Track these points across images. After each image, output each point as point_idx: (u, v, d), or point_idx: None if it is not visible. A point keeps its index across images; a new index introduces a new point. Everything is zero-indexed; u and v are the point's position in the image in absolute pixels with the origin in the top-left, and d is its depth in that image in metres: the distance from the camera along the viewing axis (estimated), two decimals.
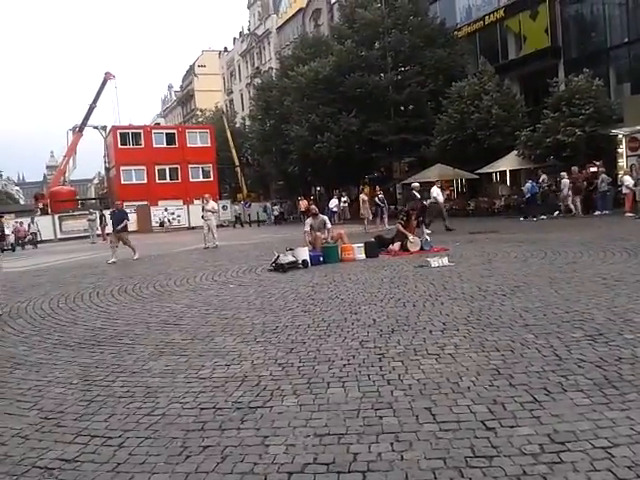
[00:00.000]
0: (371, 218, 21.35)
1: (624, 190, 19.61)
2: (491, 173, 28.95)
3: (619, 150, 22.73)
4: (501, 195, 27.73)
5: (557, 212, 21.38)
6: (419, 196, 18.19)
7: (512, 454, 2.76)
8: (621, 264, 8.37)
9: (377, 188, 23.92)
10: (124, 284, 10.13)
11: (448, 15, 34.19)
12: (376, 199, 23.68)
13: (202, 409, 3.69)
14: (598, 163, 22.00)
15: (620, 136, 22.41)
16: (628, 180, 19.33)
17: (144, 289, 9.38)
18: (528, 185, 21.79)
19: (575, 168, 21.45)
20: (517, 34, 31.02)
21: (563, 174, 21.59)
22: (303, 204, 33.87)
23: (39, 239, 34.61)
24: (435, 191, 18.91)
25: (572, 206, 20.96)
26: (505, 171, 28.69)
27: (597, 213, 20.35)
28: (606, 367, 3.89)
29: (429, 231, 14.47)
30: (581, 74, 23.28)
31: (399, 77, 32.40)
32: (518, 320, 5.40)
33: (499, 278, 7.93)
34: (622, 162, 22.30)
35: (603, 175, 20.86)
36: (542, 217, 20.42)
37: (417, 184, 19.46)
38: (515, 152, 25.52)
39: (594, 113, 22.13)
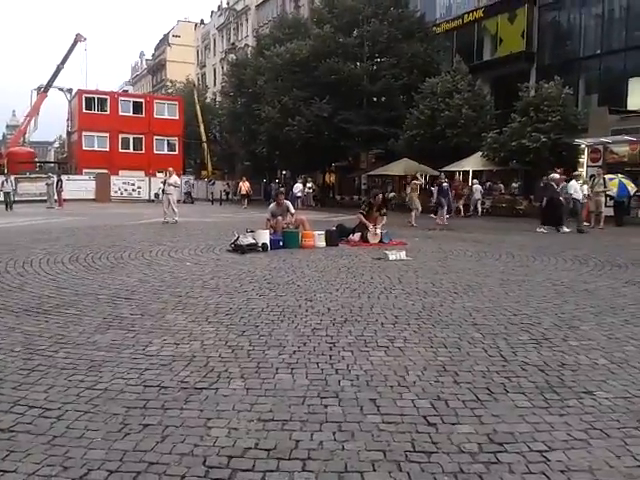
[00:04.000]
0: (420, 210, 18.48)
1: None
2: (455, 172, 29.32)
3: (580, 160, 23.30)
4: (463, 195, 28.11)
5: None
6: (557, 188, 16.62)
7: (451, 451, 2.81)
8: (572, 272, 8.61)
9: (442, 175, 20.02)
10: (77, 253, 9.89)
11: (428, 9, 34.35)
12: (436, 189, 19.84)
13: (146, 387, 3.63)
14: (559, 170, 22.51)
15: (583, 146, 22.97)
16: (585, 190, 19.87)
17: (97, 260, 9.18)
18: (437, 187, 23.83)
19: (458, 177, 24.81)
20: (494, 36, 31.41)
21: (475, 181, 24.99)
22: (245, 186, 32.50)
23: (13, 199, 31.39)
24: (573, 187, 16.99)
25: (460, 207, 23.97)
26: (468, 171, 29.11)
27: None
28: (549, 372, 4.00)
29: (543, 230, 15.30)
30: (552, 81, 23.76)
31: (374, 67, 32.41)
32: (468, 319, 5.50)
33: (453, 276, 8.06)
34: (582, 171, 22.87)
35: (563, 183, 21.35)
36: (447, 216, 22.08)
37: (557, 175, 17.31)
38: (480, 153, 25.91)
39: (560, 121, 22.66)
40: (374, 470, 2.63)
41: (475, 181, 26.00)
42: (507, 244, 12.29)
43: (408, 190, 19.08)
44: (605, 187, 17.89)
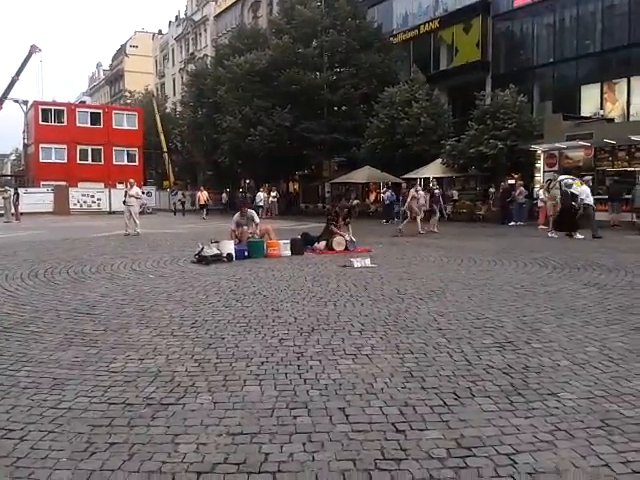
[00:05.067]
0: (422, 217, 18.33)
1: (539, 203, 20.70)
2: (416, 179, 29.69)
3: (537, 165, 23.91)
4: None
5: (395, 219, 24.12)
6: (576, 193, 16.02)
7: (420, 457, 2.83)
8: (532, 274, 8.80)
9: (434, 181, 19.91)
10: (36, 268, 9.63)
11: (385, 20, 34.86)
12: (427, 195, 19.53)
13: (111, 404, 3.56)
14: (516, 176, 23.12)
15: (539, 152, 23.58)
16: (542, 194, 20.42)
17: (57, 274, 8.96)
18: (388, 194, 25.53)
19: (404, 184, 25.09)
20: (450, 46, 32.06)
21: (419, 187, 24.51)
22: (203, 196, 32.07)
23: None
24: (585, 192, 16.13)
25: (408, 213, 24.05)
26: (429, 178, 29.54)
27: (512, 224, 21.34)
28: (513, 374, 4.07)
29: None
30: (507, 89, 24.36)
31: (334, 77, 32.71)
32: (432, 324, 5.57)
33: (417, 282, 8.15)
34: (539, 176, 23.47)
35: (521, 188, 21.95)
36: (396, 220, 23.32)
37: (570, 180, 16.69)
38: (440, 160, 26.35)
39: (516, 128, 23.23)
40: None
41: (419, 188, 26.61)
42: (469, 249, 12.49)
43: (408, 199, 18.56)
44: (561, 191, 18.29)
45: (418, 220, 17.96)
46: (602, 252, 11.79)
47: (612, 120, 23.93)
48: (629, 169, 20.96)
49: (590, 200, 16.03)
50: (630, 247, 12.97)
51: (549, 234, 15.89)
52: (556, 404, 3.51)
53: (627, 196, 19.78)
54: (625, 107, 24.49)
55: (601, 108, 24.85)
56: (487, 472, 2.69)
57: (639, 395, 3.65)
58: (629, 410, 3.41)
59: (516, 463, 2.78)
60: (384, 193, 27.28)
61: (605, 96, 25.25)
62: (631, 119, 23.82)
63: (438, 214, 18.99)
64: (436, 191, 19.04)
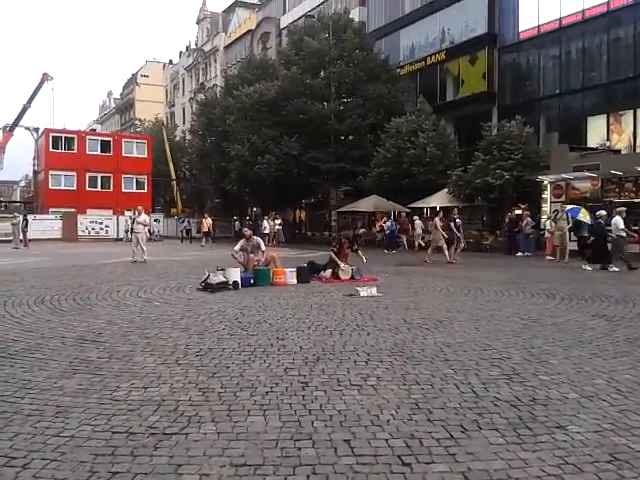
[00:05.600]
0: (445, 246, 17.82)
1: (546, 234, 20.66)
2: (422, 208, 29.81)
3: (544, 195, 23.92)
4: (430, 230, 28.51)
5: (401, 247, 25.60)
6: (585, 221, 16.22)
7: None
8: (539, 305, 8.74)
9: (455, 211, 19.18)
10: (42, 294, 9.65)
11: (392, 52, 35.36)
12: (451, 225, 18.44)
13: (114, 433, 3.53)
14: (523, 206, 23.11)
15: (545, 182, 23.61)
16: (549, 225, 20.40)
17: (63, 301, 8.98)
18: (388, 224, 26.27)
19: (403, 214, 26.88)
20: (456, 77, 32.43)
21: (416, 217, 26.47)
22: (206, 223, 31.54)
23: None
24: (618, 222, 15.56)
25: (405, 243, 26.00)
26: (436, 207, 29.63)
27: (519, 254, 21.28)
28: (521, 407, 4.02)
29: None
30: (513, 120, 24.54)
31: (341, 107, 33.08)
32: (439, 355, 5.52)
33: (424, 311, 8.11)
34: (546, 207, 23.47)
35: (528, 218, 21.94)
36: (393, 251, 24.43)
37: (604, 212, 16.41)
38: (446, 190, 26.43)
39: (523, 159, 23.32)
40: None
41: (416, 217, 27.20)
42: (475, 279, 12.44)
43: (432, 228, 18.32)
44: (569, 222, 18.29)
45: (445, 249, 17.64)
46: (610, 283, 11.71)
47: (619, 151, 24.01)
48: (636, 200, 20.92)
49: (622, 232, 15.57)
50: (639, 278, 12.88)
51: (583, 266, 15.25)
52: (564, 437, 3.46)
53: (635, 227, 19.73)
54: (632, 138, 24.58)
55: (607, 139, 24.97)
56: None
57: None
58: (638, 444, 3.36)
59: None
60: (384, 223, 27.50)
61: (611, 127, 25.38)
62: (637, 150, 23.89)
63: (462, 244, 18.50)
64: (457, 220, 18.58)
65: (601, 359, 5.36)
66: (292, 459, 3.16)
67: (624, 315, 7.78)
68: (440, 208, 27.00)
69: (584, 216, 18.72)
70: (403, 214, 27.97)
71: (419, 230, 26.31)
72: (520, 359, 5.36)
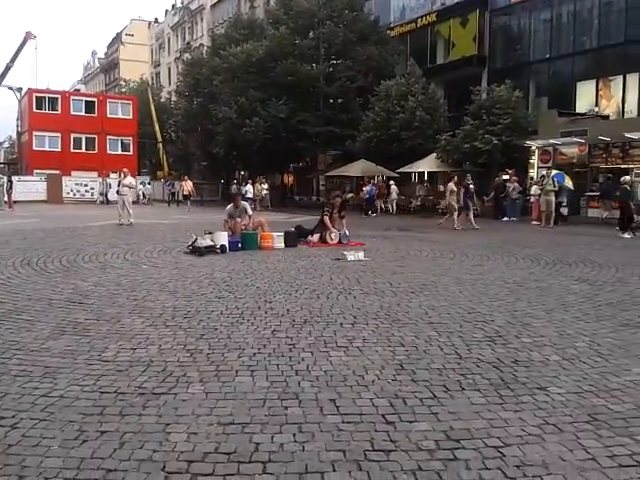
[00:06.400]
0: (456, 212, 17.48)
1: (532, 199, 20.79)
2: (410, 173, 29.77)
3: (531, 161, 23.97)
4: (418, 195, 28.61)
5: (376, 211, 25.65)
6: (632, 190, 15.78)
7: (409, 449, 2.86)
8: (524, 270, 8.85)
9: (468, 176, 18.83)
10: (28, 256, 9.60)
11: (382, 13, 34.66)
12: (462, 191, 18.16)
13: (102, 393, 3.57)
14: (510, 171, 23.17)
15: (533, 147, 23.65)
16: (533, 190, 20.54)
17: (49, 263, 8.94)
18: (367, 188, 26.21)
19: (380, 179, 27.10)
20: (446, 39, 31.97)
21: (392, 182, 27.71)
22: (187, 186, 31.11)
23: None
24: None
25: (382, 206, 26.70)
26: (423, 172, 29.64)
27: (505, 219, 21.41)
28: (503, 368, 4.11)
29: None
30: (503, 84, 24.35)
31: (330, 69, 32.57)
32: (424, 317, 5.60)
33: (410, 275, 8.18)
34: (533, 172, 23.54)
35: (515, 184, 22.02)
36: (373, 214, 24.60)
37: (628, 177, 16.56)
38: (434, 155, 26.36)
39: (511, 123, 23.25)
40: (334, 470, 2.66)
41: (392, 182, 28.03)
42: (461, 244, 12.53)
43: (447, 193, 17.74)
44: (554, 187, 18.39)
45: (455, 216, 17.39)
46: (595, 248, 11.87)
47: (607, 117, 23.99)
48: (623, 166, 21.05)
49: None
50: (623, 244, 13.05)
51: (620, 234, 14.92)
52: (545, 398, 3.55)
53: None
54: (620, 104, 24.53)
55: (596, 105, 24.91)
56: (475, 464, 2.72)
57: (627, 390, 3.70)
58: (617, 405, 3.46)
59: (504, 456, 2.81)
60: (365, 186, 27.43)
61: (600, 93, 25.28)
62: (626, 116, 23.88)
63: (472, 210, 18.23)
64: (471, 186, 18.30)
65: (583, 322, 5.48)
66: (279, 418, 3.22)
67: (607, 280, 7.92)
68: (461, 173, 27.01)
69: (568, 182, 18.89)
70: (380, 179, 28.21)
71: (394, 195, 27.34)
72: (503, 322, 5.45)
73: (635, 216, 15.80)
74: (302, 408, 3.36)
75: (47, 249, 10.68)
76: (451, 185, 17.88)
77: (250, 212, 12.63)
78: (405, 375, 3.94)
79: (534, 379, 3.89)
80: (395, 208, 27.27)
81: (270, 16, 36.89)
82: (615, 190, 19.92)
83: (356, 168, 29.65)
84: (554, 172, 19.55)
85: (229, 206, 12.66)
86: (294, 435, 3.01)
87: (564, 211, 19.83)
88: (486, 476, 2.62)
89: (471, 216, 17.87)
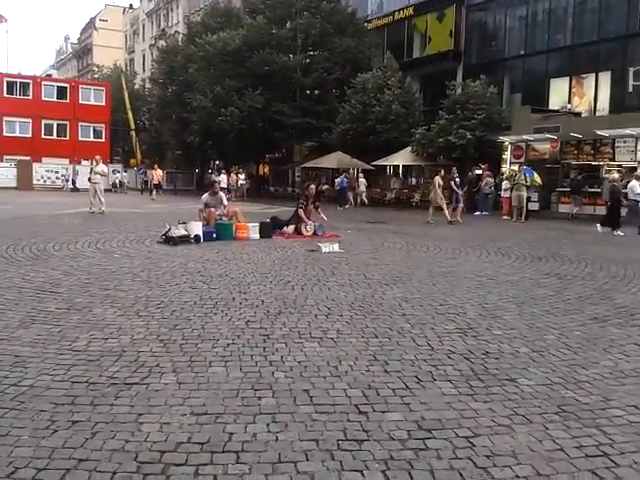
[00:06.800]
0: (445, 206, 17.26)
1: (502, 194, 21.09)
2: (385, 166, 29.89)
3: (504, 156, 24.26)
4: (393, 188, 28.78)
5: (350, 204, 25.43)
6: (622, 190, 15.82)
7: (381, 439, 2.89)
8: (495, 263, 8.99)
9: (454, 170, 18.81)
10: None
11: (360, 5, 34.63)
12: (452, 183, 18.06)
13: (73, 383, 3.53)
14: (484, 166, 23.43)
15: (506, 143, 23.92)
16: (504, 185, 20.83)
17: (19, 251, 8.77)
18: (338, 180, 26.51)
19: (352, 171, 27.20)
20: (423, 34, 32.11)
21: (360, 175, 28.27)
22: (156, 175, 30.57)
23: None
24: (634, 186, 15.71)
25: (352, 198, 26.19)
26: (398, 165, 29.80)
27: (477, 213, 21.66)
28: (474, 360, 4.17)
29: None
30: (478, 80, 24.56)
31: (307, 60, 32.50)
32: (397, 309, 5.65)
33: (383, 268, 8.24)
34: (505, 167, 23.84)
35: (488, 178, 22.28)
36: (346, 206, 24.52)
37: (617, 175, 16.65)
38: (409, 148, 26.50)
39: (485, 119, 23.49)
40: (307, 460, 2.68)
41: (361, 175, 28.47)
42: (434, 237, 12.65)
43: (434, 186, 17.30)
44: (526, 181, 18.65)
45: (445, 209, 17.06)
46: (564, 243, 12.10)
47: (579, 114, 24.39)
48: (593, 163, 21.45)
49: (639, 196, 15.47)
50: (592, 239, 13.32)
51: (598, 228, 14.97)
52: (514, 389, 3.62)
53: (590, 189, 20.29)
54: (592, 102, 24.96)
55: (569, 102, 25.30)
56: (446, 454, 2.77)
57: (595, 383, 3.79)
58: (585, 397, 3.54)
59: (474, 445, 2.86)
60: (337, 178, 27.65)
61: (573, 90, 25.68)
62: (597, 114, 24.31)
63: (461, 204, 18.01)
64: (457, 179, 18.17)
65: (552, 316, 5.58)
66: (252, 408, 3.23)
67: (576, 274, 8.08)
68: (403, 166, 27.21)
69: (536, 178, 19.16)
70: (352, 172, 28.15)
71: (362, 187, 27.73)
72: (475, 314, 5.53)
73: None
74: (276, 398, 3.37)
75: (16, 237, 10.45)
76: (437, 179, 17.57)
77: (225, 202, 12.54)
78: (378, 366, 3.97)
79: (504, 371, 3.96)
80: (365, 200, 27.46)
81: (247, 5, 36.58)
82: (584, 186, 20.40)
83: (332, 160, 29.66)
84: (526, 167, 19.83)
85: (205, 194, 12.51)
86: (267, 425, 3.02)
87: (533, 206, 20.15)
88: (457, 465, 2.66)
89: (459, 210, 17.73)
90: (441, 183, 17.47)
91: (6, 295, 5.81)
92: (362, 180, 28.05)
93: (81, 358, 3.98)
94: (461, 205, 18.02)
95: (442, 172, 18.19)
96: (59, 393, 3.37)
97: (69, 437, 2.83)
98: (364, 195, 27.68)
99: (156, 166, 33.14)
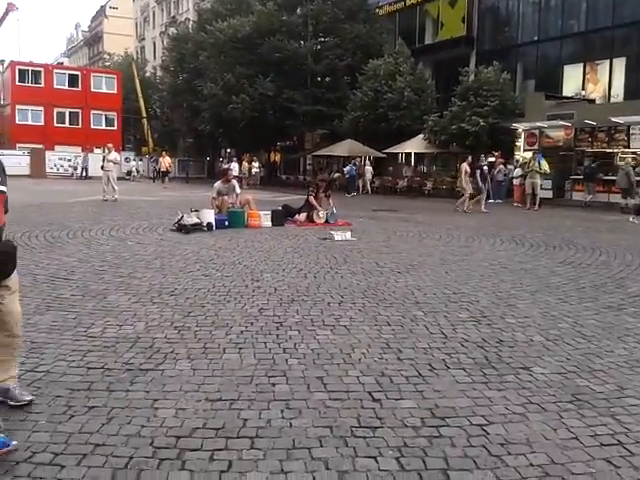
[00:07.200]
0: (468, 195, 16.76)
1: (514, 182, 20.92)
2: (397, 153, 29.72)
3: (517, 143, 24.03)
4: (405, 176, 28.61)
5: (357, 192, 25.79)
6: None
7: (395, 426, 2.90)
8: (509, 251, 8.94)
9: (482, 158, 18.29)
10: (11, 231, 9.36)
11: None
12: (477, 172, 17.32)
13: (89, 369, 3.57)
14: (497, 153, 23.23)
15: (520, 130, 23.68)
16: (516, 172, 20.65)
17: (33, 239, 8.85)
18: (347, 168, 26.65)
19: (359, 159, 27.71)
20: (435, 19, 31.72)
21: (367, 163, 28.50)
22: (165, 162, 30.50)
23: None
24: None
25: (361, 186, 26.97)
26: (410, 153, 29.61)
27: (490, 201, 21.44)
28: (487, 348, 4.16)
29: None
30: (491, 66, 24.29)
31: (318, 47, 32.31)
32: (410, 297, 5.65)
33: (396, 256, 8.22)
34: (518, 155, 23.62)
35: (501, 166, 22.08)
36: (354, 193, 24.95)
37: (629, 159, 16.53)
38: (421, 136, 26.32)
39: (499, 105, 23.25)
40: (321, 446, 2.69)
41: (367, 162, 28.57)
42: (447, 225, 12.59)
43: (462, 175, 16.88)
44: (540, 169, 18.47)
45: (467, 197, 16.77)
46: (579, 231, 11.99)
47: (593, 101, 24.08)
48: (608, 150, 21.19)
49: None
50: (607, 227, 13.19)
51: (630, 219, 14.57)
52: (529, 378, 3.61)
53: (605, 177, 20.07)
54: (606, 88, 24.62)
55: (583, 88, 24.98)
56: (460, 442, 2.77)
57: (609, 371, 3.77)
58: (599, 386, 3.52)
59: (488, 434, 2.86)
60: (346, 167, 27.62)
61: (587, 77, 25.32)
62: (612, 100, 23.98)
63: (485, 193, 17.72)
64: (485, 168, 17.71)
65: (567, 304, 5.55)
66: (266, 394, 3.25)
67: (591, 262, 8.01)
68: (473, 154, 26.83)
69: (545, 165, 18.93)
70: (359, 160, 28.25)
71: (369, 175, 27.88)
72: (488, 302, 5.51)
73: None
74: (289, 385, 3.39)
75: (31, 224, 10.53)
76: (465, 166, 17.18)
77: (238, 190, 12.52)
78: (391, 354, 3.98)
79: (518, 359, 3.95)
80: (368, 189, 27.56)
81: None
82: (598, 173, 20.19)
83: (343, 148, 29.53)
84: (540, 155, 19.62)
85: (218, 182, 12.46)
86: (282, 411, 3.04)
87: (547, 194, 19.96)
88: (471, 453, 2.66)
89: (483, 199, 17.47)
90: (468, 170, 17.05)
91: (22, 282, 5.84)
92: (368, 168, 28.09)
93: (97, 344, 4.02)
94: (484, 195, 17.70)
95: (470, 159, 17.77)
96: (75, 379, 3.41)
97: (85, 422, 2.86)
98: (369, 184, 27.78)
99: (164, 153, 33.12)
